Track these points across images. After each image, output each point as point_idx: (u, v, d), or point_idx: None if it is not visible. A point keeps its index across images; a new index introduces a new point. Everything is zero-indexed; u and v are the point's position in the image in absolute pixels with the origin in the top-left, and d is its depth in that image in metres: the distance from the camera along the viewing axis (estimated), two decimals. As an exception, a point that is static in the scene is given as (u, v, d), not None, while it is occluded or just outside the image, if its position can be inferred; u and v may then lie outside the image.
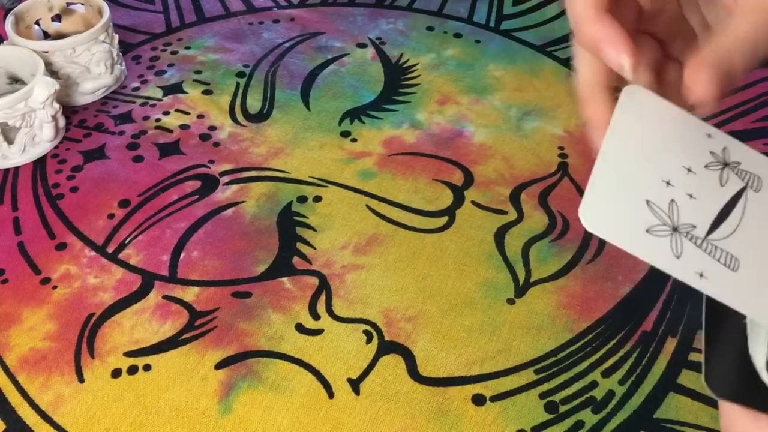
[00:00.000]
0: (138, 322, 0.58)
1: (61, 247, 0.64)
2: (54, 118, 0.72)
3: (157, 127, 0.76)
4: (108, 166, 0.72)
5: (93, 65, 0.78)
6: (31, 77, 0.72)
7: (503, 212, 0.67)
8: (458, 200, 0.67)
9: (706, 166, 0.36)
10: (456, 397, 0.53)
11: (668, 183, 0.35)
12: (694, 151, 0.36)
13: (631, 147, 0.36)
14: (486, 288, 0.60)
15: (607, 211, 0.34)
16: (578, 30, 0.36)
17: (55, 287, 0.61)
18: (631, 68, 0.35)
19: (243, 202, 0.67)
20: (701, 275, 0.33)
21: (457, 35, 0.88)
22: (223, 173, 0.71)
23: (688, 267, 0.33)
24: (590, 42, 0.36)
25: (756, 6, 0.34)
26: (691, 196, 0.35)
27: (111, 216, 0.67)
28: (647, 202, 0.34)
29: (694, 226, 0.34)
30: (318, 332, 0.57)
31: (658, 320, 0.58)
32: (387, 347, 0.56)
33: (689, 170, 0.36)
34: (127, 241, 0.64)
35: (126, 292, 0.60)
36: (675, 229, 0.34)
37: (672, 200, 0.35)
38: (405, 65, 0.84)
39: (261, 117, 0.77)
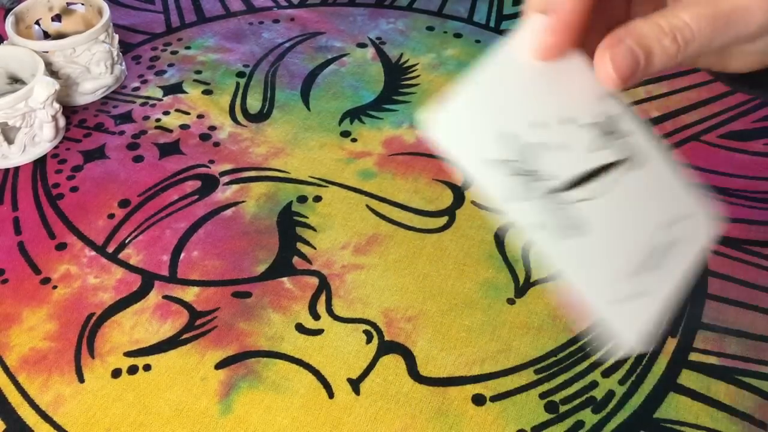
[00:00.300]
0: (138, 322, 0.58)
1: (61, 247, 0.64)
2: (54, 118, 0.72)
3: (157, 127, 0.76)
4: (108, 166, 0.72)
5: (93, 65, 0.78)
6: (31, 77, 0.72)
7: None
8: (458, 200, 0.68)
9: (591, 125, 0.32)
10: (456, 397, 0.53)
11: (543, 125, 0.32)
12: (586, 106, 0.33)
13: (520, 72, 0.33)
14: (486, 288, 0.60)
15: (462, 124, 0.32)
16: None
17: (55, 287, 0.61)
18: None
19: (243, 202, 0.67)
20: (531, 221, 0.31)
21: (457, 35, 0.88)
22: (223, 173, 0.71)
23: (520, 209, 0.31)
24: None
25: (730, 6, 0.31)
26: (557, 146, 0.32)
27: (111, 216, 0.67)
28: (510, 133, 0.31)
29: (549, 176, 0.31)
30: (318, 332, 0.57)
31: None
32: (387, 347, 0.56)
33: (572, 122, 0.32)
34: (127, 241, 0.64)
35: (126, 292, 0.60)
36: (529, 172, 0.32)
37: (535, 142, 0.31)
38: (405, 65, 0.84)
39: (261, 117, 0.77)
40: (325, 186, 0.69)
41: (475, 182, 0.31)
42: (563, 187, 0.31)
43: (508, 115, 0.31)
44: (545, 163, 0.31)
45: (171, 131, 0.75)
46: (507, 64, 0.33)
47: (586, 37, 0.33)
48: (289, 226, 0.65)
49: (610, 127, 0.32)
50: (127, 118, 0.77)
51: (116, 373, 0.55)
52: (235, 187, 0.69)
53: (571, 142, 0.31)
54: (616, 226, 0.32)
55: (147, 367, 0.55)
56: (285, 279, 0.61)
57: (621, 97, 0.33)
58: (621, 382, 0.54)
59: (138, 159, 0.72)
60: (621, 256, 0.31)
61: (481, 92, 0.32)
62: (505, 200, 0.31)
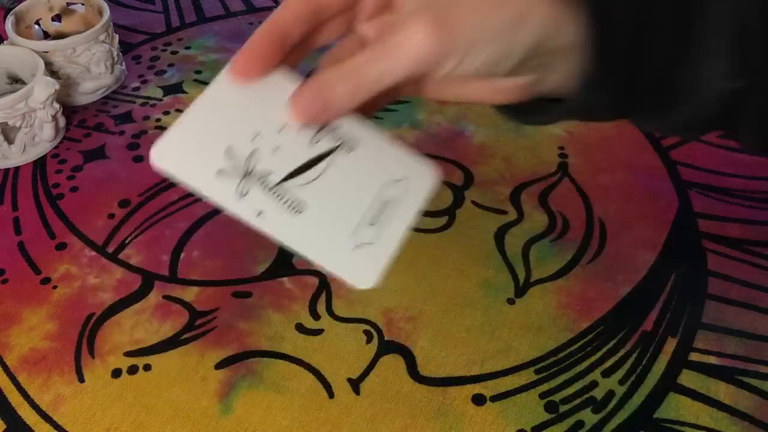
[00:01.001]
0: (138, 322, 0.58)
1: (61, 247, 0.64)
2: (54, 118, 0.72)
3: (157, 127, 0.76)
4: (108, 166, 0.72)
5: (93, 65, 0.78)
6: (31, 77, 0.72)
7: (503, 212, 0.67)
8: (458, 200, 0.68)
9: (302, 127, 0.38)
10: (456, 397, 0.53)
11: (257, 135, 0.38)
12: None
13: (232, 97, 0.38)
14: (486, 288, 0.60)
15: (183, 151, 0.37)
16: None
17: (55, 287, 0.61)
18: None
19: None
20: (259, 214, 0.38)
21: (457, 35, 0.88)
22: (223, 173, 0.71)
23: (248, 206, 0.37)
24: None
25: (391, 44, 0.35)
26: (276, 149, 0.38)
27: (111, 216, 0.67)
28: (227, 148, 0.37)
29: (270, 174, 0.38)
30: (318, 332, 0.57)
31: (658, 320, 0.58)
32: (387, 347, 0.56)
33: (283, 128, 0.38)
34: (127, 241, 0.64)
35: (126, 292, 0.60)
36: (247, 174, 0.38)
37: (255, 150, 0.38)
38: (405, 65, 0.84)
39: (261, 117, 0.77)
40: (325, 186, 0.69)
41: (205, 196, 0.37)
42: (282, 179, 0.38)
43: (230, 132, 0.38)
44: (266, 164, 0.37)
45: (171, 131, 0.75)
46: (226, 88, 0.38)
47: (304, 52, 0.39)
48: (289, 226, 0.65)
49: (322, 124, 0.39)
50: (127, 118, 0.77)
51: (116, 373, 0.55)
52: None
53: (288, 143, 0.38)
54: (335, 197, 0.38)
55: (147, 367, 0.55)
56: (285, 279, 0.61)
57: None
58: (621, 382, 0.54)
59: (138, 159, 0.72)
60: (343, 220, 0.38)
61: (204, 116, 0.38)
62: (233, 201, 0.37)
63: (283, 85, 0.38)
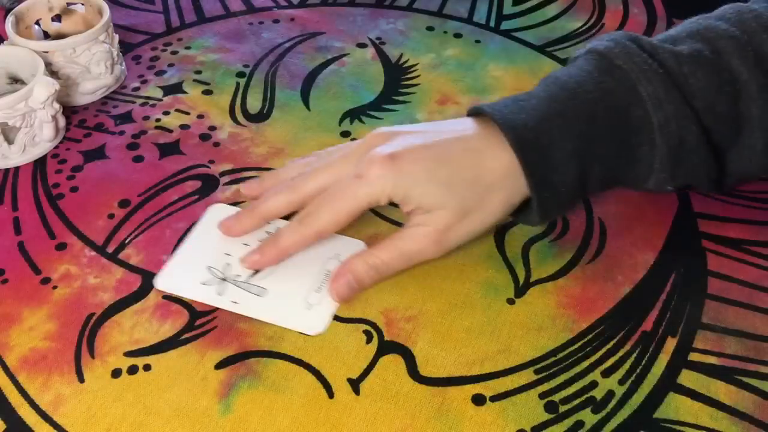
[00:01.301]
0: (138, 322, 0.58)
1: (61, 247, 0.64)
2: (54, 118, 0.72)
3: (157, 127, 0.76)
4: (108, 166, 0.72)
5: (93, 65, 0.78)
6: (31, 77, 0.72)
7: (503, 212, 0.67)
8: (458, 200, 0.67)
9: (259, 240, 0.60)
10: (456, 397, 0.53)
11: (228, 254, 0.60)
12: (253, 233, 0.62)
13: (211, 234, 0.62)
14: (486, 288, 0.60)
15: (177, 275, 0.60)
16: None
17: (55, 287, 0.61)
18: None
19: (243, 202, 0.67)
20: (234, 302, 0.57)
21: (457, 35, 0.88)
22: (224, 173, 0.71)
23: (225, 298, 0.58)
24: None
25: (399, 245, 0.58)
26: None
27: (111, 216, 0.67)
28: (208, 267, 0.60)
29: (239, 275, 0.59)
30: (318, 332, 0.58)
31: (658, 320, 0.58)
32: (387, 347, 0.56)
33: (246, 245, 0.61)
34: (127, 241, 0.64)
35: (126, 292, 0.60)
36: (224, 279, 0.59)
37: (227, 263, 0.60)
38: (405, 65, 0.84)
39: (261, 117, 0.77)
40: (325, 186, 0.69)
41: (195, 300, 0.58)
42: (248, 277, 0.59)
43: (210, 255, 0.61)
44: (236, 270, 0.59)
45: (171, 131, 0.75)
46: (207, 226, 0.64)
47: None
48: (289, 226, 0.65)
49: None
50: (127, 118, 0.77)
51: (116, 373, 0.55)
52: (235, 187, 0.69)
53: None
54: (288, 279, 0.58)
55: (147, 367, 0.55)
56: (285, 279, 0.61)
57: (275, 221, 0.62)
58: (621, 382, 0.54)
59: (138, 159, 0.72)
60: (295, 292, 0.58)
61: (192, 247, 0.62)
62: (214, 298, 0.58)
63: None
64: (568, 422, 0.52)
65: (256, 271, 0.58)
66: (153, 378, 0.55)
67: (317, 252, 0.59)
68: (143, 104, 0.79)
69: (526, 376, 0.54)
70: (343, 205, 0.55)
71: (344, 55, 0.86)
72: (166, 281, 0.59)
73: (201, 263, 0.60)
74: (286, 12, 0.93)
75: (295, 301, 0.57)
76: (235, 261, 0.59)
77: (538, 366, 0.55)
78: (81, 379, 0.55)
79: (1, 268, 0.62)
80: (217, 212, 0.65)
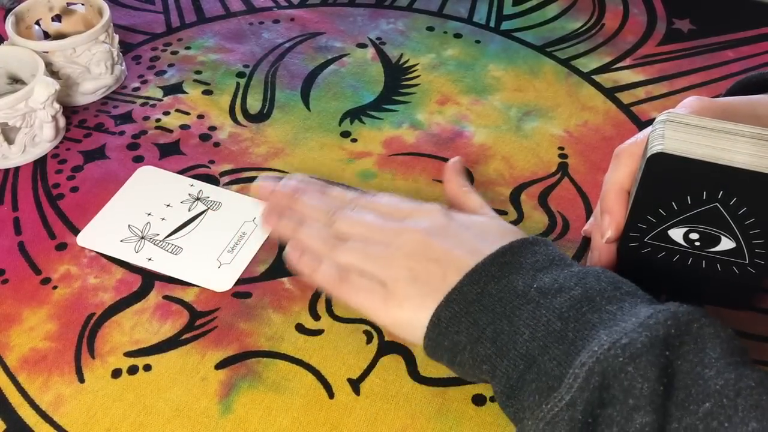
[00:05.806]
0: (138, 322, 0.58)
1: (62, 247, 0.64)
2: (54, 118, 0.72)
3: (157, 127, 0.76)
4: (108, 166, 0.72)
5: (93, 65, 0.78)
6: (31, 77, 0.72)
7: (503, 212, 0.67)
8: (458, 200, 0.67)
9: (181, 202, 0.65)
10: (456, 397, 0.53)
11: (149, 214, 0.64)
12: (175, 194, 0.66)
13: (135, 194, 0.67)
14: (486, 288, 0.60)
15: (99, 232, 0.63)
16: (607, 191, 0.54)
17: (55, 287, 0.61)
18: (608, 239, 0.53)
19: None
20: (149, 259, 0.61)
21: (457, 35, 0.88)
22: (224, 173, 0.71)
23: (141, 256, 0.61)
24: (604, 206, 0.54)
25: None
26: (163, 219, 0.64)
27: (111, 216, 0.67)
28: (129, 225, 0.63)
29: (158, 234, 0.62)
30: (318, 332, 0.58)
31: (658, 320, 0.58)
32: (387, 347, 0.56)
33: (168, 205, 0.65)
34: (127, 241, 0.64)
35: (126, 292, 0.60)
36: (142, 238, 0.62)
37: (147, 222, 0.63)
38: (405, 65, 0.84)
39: (261, 117, 0.77)
40: (325, 186, 0.69)
41: (115, 256, 0.62)
42: (170, 235, 0.62)
43: (132, 215, 0.64)
44: (157, 227, 0.63)
45: (171, 131, 0.75)
46: (132, 187, 0.67)
47: None
48: (289, 226, 0.65)
49: (198, 196, 0.66)
50: (127, 118, 0.77)
51: (116, 373, 0.55)
52: (235, 187, 0.69)
53: (173, 212, 0.64)
54: (205, 240, 0.62)
55: (147, 367, 0.55)
56: (285, 279, 0.61)
57: (198, 182, 0.68)
58: (621, 383, 0.54)
59: (138, 159, 0.72)
60: (209, 252, 0.61)
61: (115, 207, 0.65)
62: (131, 255, 0.61)
63: (168, 177, 0.68)
64: (568, 422, 0.52)
65: (175, 230, 0.62)
66: (153, 378, 0.55)
67: (235, 215, 0.64)
68: (143, 104, 0.79)
69: (526, 377, 0.54)
70: (366, 306, 0.52)
71: (344, 55, 0.86)
72: (87, 238, 0.62)
73: (123, 222, 0.63)
74: (286, 12, 0.93)
75: (208, 260, 0.60)
76: (155, 220, 0.63)
77: (538, 366, 0.55)
78: (81, 380, 0.55)
79: (1, 268, 0.62)
80: (143, 174, 0.68)
